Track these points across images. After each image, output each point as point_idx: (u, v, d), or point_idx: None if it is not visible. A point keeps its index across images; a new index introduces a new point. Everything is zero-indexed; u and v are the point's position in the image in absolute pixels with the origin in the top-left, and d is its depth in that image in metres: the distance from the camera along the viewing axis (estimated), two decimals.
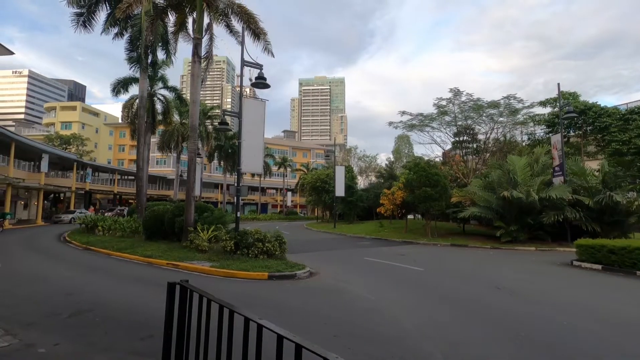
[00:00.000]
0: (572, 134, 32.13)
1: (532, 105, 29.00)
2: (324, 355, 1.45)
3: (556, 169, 19.57)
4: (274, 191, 73.57)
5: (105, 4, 20.95)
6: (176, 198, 37.84)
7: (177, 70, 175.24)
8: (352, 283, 9.02)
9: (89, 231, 20.73)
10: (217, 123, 37.45)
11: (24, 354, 4.44)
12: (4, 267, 10.07)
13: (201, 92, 16.83)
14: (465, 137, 33.23)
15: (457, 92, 29.68)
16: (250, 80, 13.69)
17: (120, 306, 6.64)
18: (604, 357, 4.63)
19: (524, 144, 33.73)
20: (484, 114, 30.05)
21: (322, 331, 5.31)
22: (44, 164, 33.82)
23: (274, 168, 61.19)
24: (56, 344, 4.74)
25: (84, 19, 19.93)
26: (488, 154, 32.75)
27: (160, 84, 27.98)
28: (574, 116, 20.25)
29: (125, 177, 54.13)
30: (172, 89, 29.33)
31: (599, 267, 11.52)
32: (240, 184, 13.39)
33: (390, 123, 33.88)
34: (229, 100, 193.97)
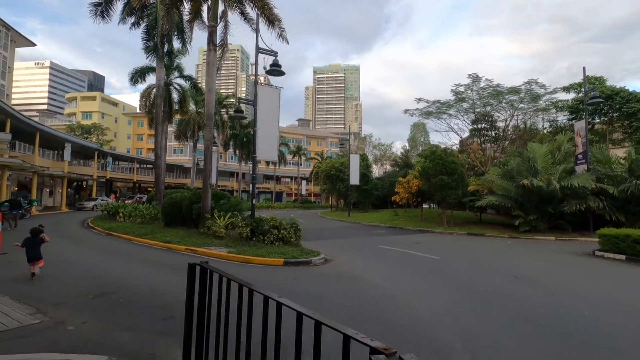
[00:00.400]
0: (597, 120, 30.86)
1: (554, 91, 27.95)
2: (343, 331, 1.46)
3: (579, 156, 18.92)
4: (289, 180, 73.98)
5: None
6: (193, 186, 38.57)
7: (192, 60, 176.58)
8: (367, 270, 9.05)
9: (110, 218, 21.42)
10: (232, 112, 37.71)
11: (54, 330, 4.68)
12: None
13: (216, 81, 16.91)
14: (483, 125, 32.39)
15: (475, 78, 28.85)
16: (265, 68, 13.66)
17: (142, 289, 6.88)
18: (627, 349, 4.52)
19: (545, 131, 32.66)
20: (504, 101, 29.15)
21: (337, 317, 5.37)
22: (67, 153, 34.90)
23: (289, 157, 61.39)
24: (84, 322, 4.97)
25: (102, 9, 20.17)
26: (507, 142, 31.88)
27: (176, 73, 28.25)
28: (599, 101, 19.43)
29: (144, 165, 55.37)
30: (188, 78, 29.57)
31: (623, 257, 11.18)
32: (256, 172, 13.51)
33: (406, 111, 33.36)
34: (244, 89, 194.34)
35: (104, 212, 23.17)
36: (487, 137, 33.21)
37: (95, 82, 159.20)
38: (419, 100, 31.73)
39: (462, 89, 29.53)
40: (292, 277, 8.22)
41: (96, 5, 20.09)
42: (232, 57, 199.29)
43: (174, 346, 4.12)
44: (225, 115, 41.34)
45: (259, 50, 13.06)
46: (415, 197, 27.48)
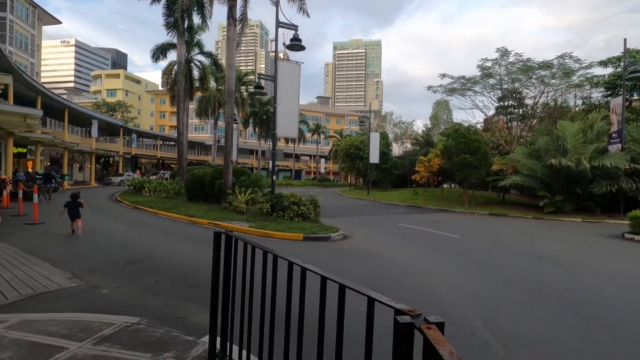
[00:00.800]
0: (636, 97, 28.96)
1: (590, 65, 26.23)
2: (368, 294, 1.49)
3: (613, 135, 17.94)
4: (308, 158, 74.03)
5: None
6: (214, 163, 39.26)
7: (212, 36, 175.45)
8: (386, 247, 9.10)
9: (136, 192, 22.24)
10: (251, 89, 37.65)
11: (90, 293, 5.00)
12: (68, 222, 11.14)
13: (236, 58, 16.80)
14: (510, 102, 31.03)
15: (504, 52, 27.40)
16: (284, 44, 13.44)
17: (169, 258, 7.19)
18: None
19: (577, 109, 30.99)
20: (534, 76, 27.67)
21: None
22: (94, 130, 36.06)
23: (308, 135, 61.17)
24: (116, 287, 5.28)
25: None
26: (535, 120, 30.52)
27: (196, 50, 28.21)
28: None
29: (167, 142, 56.62)
30: (208, 55, 29.51)
31: None
32: (276, 148, 13.58)
33: (429, 87, 32.30)
34: (263, 66, 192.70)
35: (131, 187, 24.05)
36: (513, 115, 31.87)
37: (119, 60, 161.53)
38: (443, 76, 30.60)
39: (489, 64, 28.19)
40: (311, 251, 8.37)
41: None
42: (251, 32, 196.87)
43: (200, 311, 4.33)
44: (245, 93, 41.30)
45: (279, 24, 12.81)
46: (435, 176, 27.04)
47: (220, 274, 2.93)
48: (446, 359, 0.96)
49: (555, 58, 26.06)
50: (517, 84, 29.22)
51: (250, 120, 48.03)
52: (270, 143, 14.29)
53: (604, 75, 28.86)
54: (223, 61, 28.70)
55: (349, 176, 51.63)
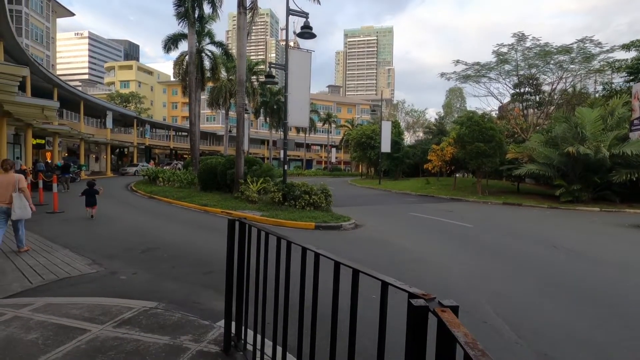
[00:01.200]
0: None
1: (612, 49, 25.21)
2: (381, 279, 1.50)
3: (635, 122, 17.30)
4: (319, 147, 73.92)
5: None
6: (226, 153, 39.57)
7: (222, 26, 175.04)
8: (398, 236, 9.09)
9: (151, 182, 22.66)
10: (262, 79, 37.52)
11: (109, 279, 5.17)
12: (85, 211, 11.46)
13: (246, 48, 16.74)
14: (527, 89, 30.19)
15: (521, 37, 26.55)
16: (295, 32, 13.32)
17: (184, 246, 7.35)
18: None
19: (597, 95, 29.96)
20: (552, 62, 26.79)
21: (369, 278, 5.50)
22: (109, 121, 36.66)
23: (319, 124, 60.92)
24: (134, 272, 5.44)
25: None
26: (552, 107, 29.66)
27: (207, 40, 28.21)
28: None
29: (180, 133, 57.21)
30: (219, 44, 29.50)
31: None
32: (287, 138, 13.59)
33: (443, 74, 31.64)
34: (273, 55, 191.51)
35: (145, 177, 24.50)
36: (530, 102, 31.04)
37: (131, 51, 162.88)
38: (457, 62, 29.93)
39: (505, 49, 27.39)
40: (323, 240, 8.43)
41: None
42: (261, 21, 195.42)
43: (215, 296, 4.44)
44: (256, 83, 41.25)
45: (289, 11, 12.67)
46: (448, 165, 26.70)
47: (235, 261, 2.99)
48: (461, 341, 0.97)
49: (575, 42, 25.16)
50: (534, 70, 28.38)
51: (261, 110, 48.06)
52: (282, 133, 14.29)
53: (627, 59, 27.71)
54: (234, 51, 28.59)
55: (360, 166, 51.44)
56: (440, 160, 25.84)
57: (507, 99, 33.12)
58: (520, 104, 31.43)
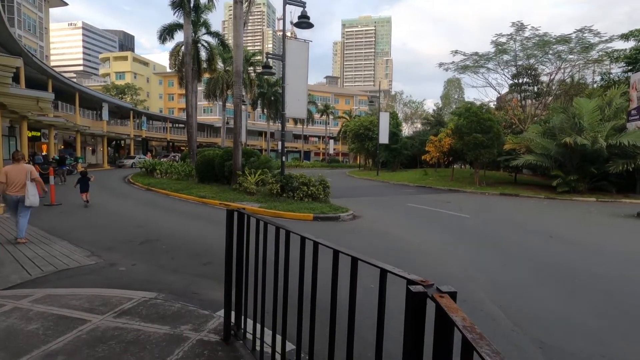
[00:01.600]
0: None
1: (611, 39, 25.07)
2: (380, 266, 1.51)
3: (632, 112, 17.31)
4: (316, 139, 73.69)
5: None
6: (223, 145, 39.40)
7: (218, 16, 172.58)
8: (396, 227, 9.14)
9: (148, 174, 22.58)
10: (259, 70, 37.20)
11: (108, 270, 5.18)
12: (83, 204, 11.44)
13: (243, 38, 16.54)
14: (525, 79, 30.08)
15: (519, 27, 26.36)
16: (292, 22, 13.17)
17: (183, 237, 7.36)
18: None
19: (595, 85, 29.91)
20: (550, 52, 26.65)
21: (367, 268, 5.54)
22: (105, 113, 36.34)
23: (316, 115, 60.63)
24: (133, 264, 5.45)
25: None
26: (550, 98, 29.61)
27: (203, 30, 27.83)
28: None
29: (177, 125, 56.84)
30: (215, 35, 29.12)
31: None
32: (285, 129, 13.53)
33: (441, 64, 31.46)
34: (270, 46, 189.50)
35: (142, 169, 24.40)
36: (528, 93, 30.97)
37: (126, 42, 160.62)
38: (455, 52, 29.71)
39: (503, 39, 27.21)
40: (321, 230, 8.46)
41: None
42: (258, 11, 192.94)
43: (214, 287, 4.46)
44: (253, 74, 40.87)
45: (286, 0, 12.50)
46: (446, 156, 26.73)
47: (234, 251, 3.00)
48: (459, 325, 0.98)
49: (574, 32, 25.01)
50: (532, 60, 28.25)
51: (259, 102, 47.74)
52: (279, 124, 14.22)
53: (625, 49, 27.63)
54: (230, 41, 28.25)
55: (358, 157, 51.41)
56: (438, 152, 25.86)
57: (505, 90, 33.05)
58: (519, 95, 31.37)
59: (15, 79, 23.52)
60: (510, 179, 23.74)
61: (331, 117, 62.94)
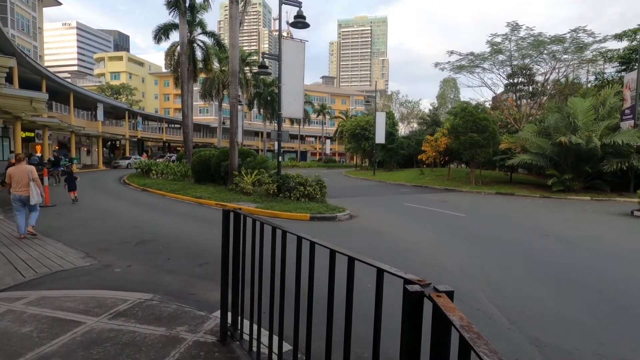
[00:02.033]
0: None
1: (605, 39, 25.31)
2: (377, 265, 1.50)
3: (626, 111, 17.51)
4: (313, 139, 73.69)
5: None
6: (220, 145, 39.27)
7: (214, 16, 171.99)
8: (392, 226, 9.15)
9: (144, 175, 22.44)
10: (255, 70, 37.12)
11: (103, 272, 5.14)
12: (80, 204, 11.36)
13: (239, 38, 16.49)
14: (520, 79, 30.28)
15: (514, 27, 26.52)
16: (288, 22, 13.15)
17: (179, 238, 7.32)
18: None
19: (589, 85, 30.16)
20: (545, 52, 26.86)
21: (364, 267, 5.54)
22: (100, 113, 36.09)
23: (313, 115, 60.60)
24: (129, 265, 5.41)
25: None
26: (545, 98, 29.82)
27: (199, 30, 27.71)
28: None
29: (172, 125, 56.59)
30: (211, 34, 29.00)
31: None
32: (281, 129, 13.51)
33: (437, 64, 31.57)
34: (266, 45, 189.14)
35: (138, 170, 24.25)
36: (523, 93, 31.17)
37: (121, 42, 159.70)
38: (451, 53, 29.85)
39: (499, 39, 27.37)
40: (318, 230, 8.45)
41: None
42: (253, 11, 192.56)
43: (210, 288, 4.44)
44: (249, 74, 40.76)
45: (282, 0, 12.47)
46: (442, 155, 26.81)
47: (230, 251, 2.98)
48: (457, 324, 0.98)
49: (568, 32, 25.20)
50: (527, 60, 28.44)
51: (255, 102, 47.61)
52: (276, 124, 14.21)
53: (619, 49, 27.90)
54: (226, 41, 28.14)
55: (355, 157, 51.43)
56: (435, 151, 25.93)
57: (500, 90, 33.26)
58: (514, 95, 31.56)
59: (9, 79, 23.30)
60: (506, 178, 23.87)
61: (328, 117, 62.97)
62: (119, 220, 9.33)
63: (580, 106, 18.22)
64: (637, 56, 18.74)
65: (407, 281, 1.29)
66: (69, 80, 47.19)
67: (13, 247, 6.13)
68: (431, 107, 56.16)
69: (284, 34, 13.36)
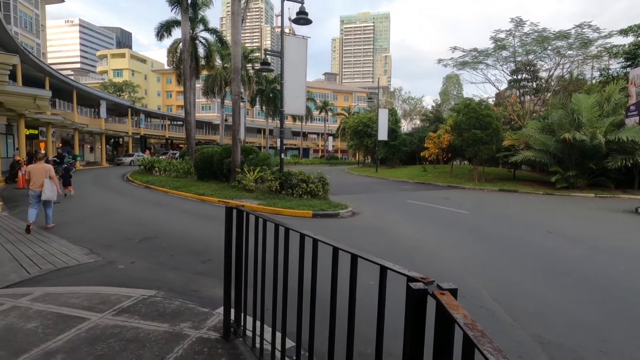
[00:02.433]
0: None
1: (610, 35, 25.04)
2: (380, 263, 1.50)
3: (631, 107, 17.32)
4: (315, 136, 73.62)
5: None
6: (222, 142, 39.29)
7: (216, 12, 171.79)
8: (395, 223, 9.14)
9: (147, 172, 22.52)
10: (257, 66, 37.05)
11: (107, 268, 5.17)
12: (83, 201, 11.42)
13: (241, 34, 16.44)
14: (524, 75, 30.05)
15: (518, 22, 26.27)
16: (290, 18, 13.10)
17: (182, 235, 7.35)
18: None
19: (594, 81, 29.89)
20: (549, 48, 26.61)
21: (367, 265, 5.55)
22: (103, 110, 36.17)
23: (315, 112, 60.48)
24: (132, 262, 5.44)
25: None
26: (549, 94, 29.59)
27: (201, 26, 27.66)
28: None
29: (175, 122, 56.66)
30: (213, 31, 28.95)
31: None
32: (284, 126, 13.49)
33: (440, 60, 31.37)
34: (269, 42, 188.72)
35: (141, 167, 24.33)
36: (527, 89, 30.95)
37: (123, 39, 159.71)
38: (455, 49, 29.63)
39: (502, 35, 27.12)
40: (320, 228, 8.45)
41: None
42: (256, 7, 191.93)
43: (213, 284, 4.46)
44: (251, 71, 40.70)
45: None
46: (445, 152, 26.74)
47: (233, 248, 2.99)
48: (460, 322, 0.97)
49: (573, 27, 24.95)
50: (531, 56, 28.20)
51: (257, 99, 47.55)
52: (278, 121, 14.19)
53: (624, 44, 27.61)
54: (228, 38, 28.09)
55: (357, 154, 51.34)
56: (437, 148, 25.85)
57: (504, 86, 33.05)
58: (517, 91, 31.35)
59: (12, 76, 23.38)
60: (509, 175, 23.76)
61: (330, 114, 62.82)
62: (123, 217, 9.37)
63: (584, 102, 18.06)
64: None
65: (410, 279, 1.29)
66: (72, 77, 47.29)
67: (18, 244, 6.17)
68: (434, 104, 55.95)
69: (286, 30, 13.31)
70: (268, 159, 16.56)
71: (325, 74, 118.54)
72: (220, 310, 3.32)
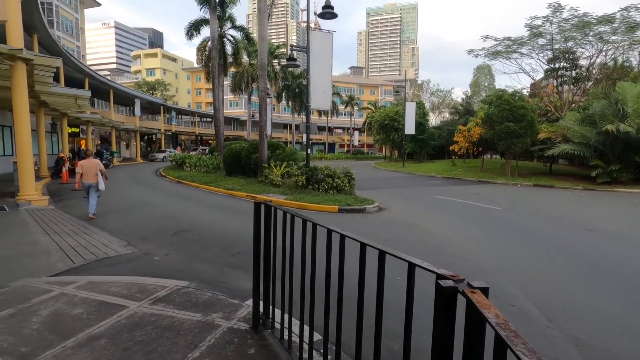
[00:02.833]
0: None
1: None
2: (408, 260, 1.49)
3: None
4: (341, 131, 73.32)
5: None
6: (249, 138, 40.01)
7: (242, 9, 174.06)
8: (423, 219, 8.98)
9: (178, 167, 23.37)
10: (283, 62, 37.30)
11: (144, 259, 5.44)
12: (121, 195, 12.04)
13: (267, 31, 16.59)
14: (562, 64, 28.37)
15: (556, 8, 24.76)
16: (315, 13, 13.06)
17: (212, 229, 7.59)
18: None
19: None
20: (591, 33, 24.94)
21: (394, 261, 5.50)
22: (137, 109, 37.78)
23: (341, 107, 60.14)
24: (166, 254, 5.69)
25: None
26: (590, 83, 27.81)
27: (228, 24, 28.16)
28: None
29: (204, 119, 58.26)
30: (240, 29, 29.39)
31: None
32: (309, 122, 13.54)
33: (470, 51, 30.18)
34: (294, 37, 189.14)
35: (173, 163, 25.28)
36: (565, 78, 29.22)
37: (155, 39, 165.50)
38: (486, 38, 28.38)
39: (539, 22, 25.67)
40: (347, 223, 8.45)
41: None
42: (281, 3, 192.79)
43: (243, 277, 4.59)
44: (277, 66, 41.02)
45: None
46: (475, 146, 25.89)
47: (261, 242, 3.06)
48: (492, 322, 0.96)
49: (618, 11, 23.21)
50: (570, 43, 26.54)
51: (283, 94, 47.93)
52: (304, 116, 14.25)
53: None
54: (254, 35, 28.44)
55: (384, 148, 50.74)
56: (467, 142, 25.07)
57: (540, 76, 31.37)
58: (555, 81, 29.67)
59: (56, 78, 24.87)
60: (544, 169, 22.67)
61: (356, 108, 62.29)
62: (156, 210, 9.80)
63: (630, 91, 16.86)
64: None
65: (439, 276, 1.28)
66: (109, 77, 49.65)
67: (64, 235, 6.61)
68: (464, 96, 54.03)
69: (312, 25, 13.30)
70: (294, 154, 16.70)
71: (351, 67, 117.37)
72: (250, 302, 3.42)
